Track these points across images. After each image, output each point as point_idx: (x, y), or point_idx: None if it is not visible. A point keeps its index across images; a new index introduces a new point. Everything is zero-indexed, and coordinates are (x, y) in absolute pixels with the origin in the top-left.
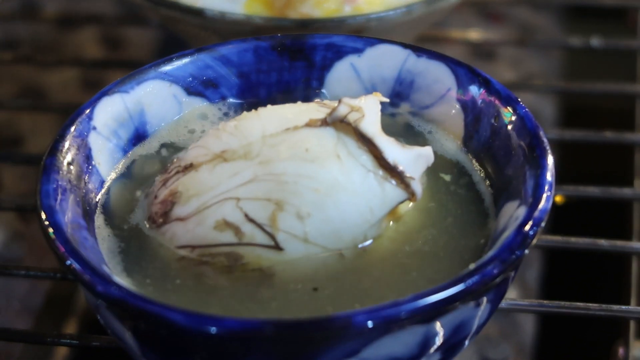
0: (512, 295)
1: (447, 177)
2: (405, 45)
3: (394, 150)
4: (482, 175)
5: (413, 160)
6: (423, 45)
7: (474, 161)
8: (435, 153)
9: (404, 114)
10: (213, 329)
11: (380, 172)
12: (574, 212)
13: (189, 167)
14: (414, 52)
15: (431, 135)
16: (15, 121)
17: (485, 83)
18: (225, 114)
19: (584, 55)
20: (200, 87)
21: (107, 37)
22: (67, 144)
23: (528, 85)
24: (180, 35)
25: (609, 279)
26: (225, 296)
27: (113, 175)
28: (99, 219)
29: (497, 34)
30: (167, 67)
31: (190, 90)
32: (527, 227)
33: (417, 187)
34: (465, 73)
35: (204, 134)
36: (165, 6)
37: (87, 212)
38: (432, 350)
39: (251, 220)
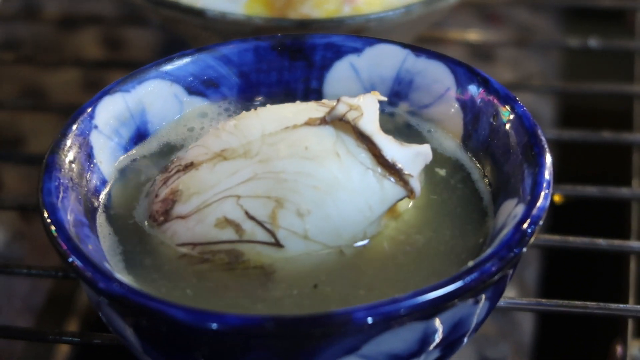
0: (510, 294)
1: (446, 175)
2: (404, 45)
3: (392, 148)
4: (480, 173)
5: (412, 158)
6: (422, 46)
7: (472, 159)
8: (434, 151)
9: (403, 113)
10: (214, 325)
11: (379, 169)
12: (572, 211)
13: (190, 166)
14: (413, 52)
15: (430, 134)
16: (17, 121)
17: (484, 82)
18: (226, 113)
19: (582, 56)
20: (201, 86)
21: (108, 38)
22: (69, 143)
23: (527, 85)
24: (180, 35)
25: (607, 278)
26: (226, 293)
27: (114, 174)
28: (100, 217)
29: (495, 35)
30: (168, 67)
31: (191, 90)
32: (525, 225)
33: (416, 184)
34: (464, 72)
35: (204, 133)
36: (166, 7)
37: (89, 210)
38: (431, 346)
39: (251, 218)
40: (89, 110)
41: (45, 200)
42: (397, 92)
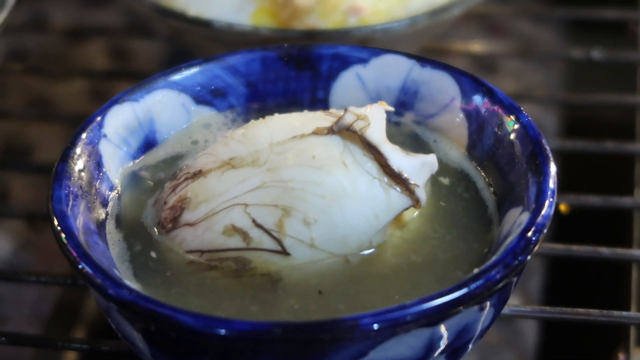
0: (514, 302)
1: (451, 185)
2: (410, 56)
3: (398, 157)
4: (485, 182)
5: (417, 167)
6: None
7: (477, 169)
8: (439, 161)
9: (409, 123)
10: (223, 331)
11: (386, 179)
12: (575, 221)
13: (198, 174)
14: (418, 62)
15: (436, 144)
16: (24, 131)
17: (489, 92)
18: (233, 123)
19: (585, 67)
20: (208, 96)
21: (114, 49)
22: (78, 151)
23: (530, 96)
24: (187, 46)
25: (610, 286)
26: (234, 300)
27: (123, 182)
28: (109, 225)
29: (498, 46)
30: (176, 77)
31: (199, 99)
32: (530, 233)
33: (422, 194)
34: (469, 82)
35: (211, 143)
36: (175, 18)
37: (98, 218)
38: (437, 352)
39: (259, 226)
40: (98, 119)
41: (55, 207)
42: (403, 102)
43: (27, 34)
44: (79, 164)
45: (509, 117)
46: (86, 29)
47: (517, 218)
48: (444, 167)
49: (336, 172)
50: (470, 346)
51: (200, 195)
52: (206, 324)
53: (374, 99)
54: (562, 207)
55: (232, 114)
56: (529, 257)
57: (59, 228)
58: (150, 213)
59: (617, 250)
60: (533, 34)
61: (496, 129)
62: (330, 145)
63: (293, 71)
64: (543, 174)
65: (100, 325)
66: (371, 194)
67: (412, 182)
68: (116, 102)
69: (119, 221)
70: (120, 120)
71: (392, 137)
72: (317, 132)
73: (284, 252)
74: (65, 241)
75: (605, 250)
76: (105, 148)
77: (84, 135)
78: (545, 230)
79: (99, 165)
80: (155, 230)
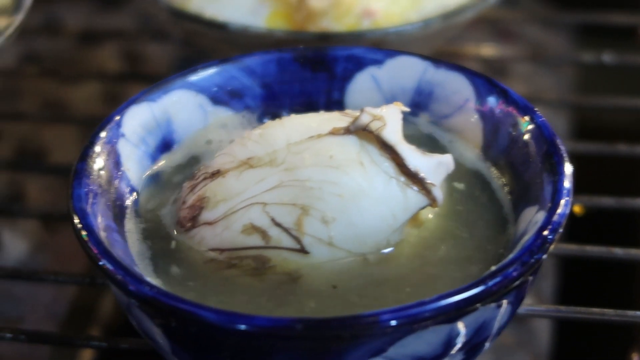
0: (528, 302)
1: (467, 184)
2: (424, 57)
3: (415, 157)
4: (500, 182)
5: (434, 167)
6: None
7: (492, 169)
8: (455, 161)
9: (424, 124)
10: (244, 327)
11: (402, 178)
12: (589, 222)
13: (216, 174)
14: (432, 64)
15: (451, 144)
16: (39, 133)
17: (503, 93)
18: (249, 123)
19: (596, 71)
20: (225, 96)
21: (127, 52)
22: (97, 150)
23: (541, 99)
24: (200, 48)
25: (624, 286)
26: (253, 297)
27: (142, 181)
28: (129, 223)
29: (509, 50)
30: (194, 77)
31: (216, 100)
32: (546, 231)
33: (438, 193)
34: (483, 83)
35: (230, 142)
36: (191, 20)
37: (117, 216)
38: (455, 349)
39: (278, 225)
40: (117, 118)
41: (76, 205)
42: (418, 103)
43: (41, 37)
44: (98, 162)
45: (524, 117)
46: (99, 32)
47: (533, 217)
48: (460, 167)
49: (353, 171)
50: (487, 344)
51: (218, 195)
52: (228, 319)
53: (389, 100)
54: (576, 209)
55: (248, 115)
56: (545, 256)
57: (79, 226)
58: (168, 212)
59: (631, 251)
60: (543, 39)
61: (511, 130)
62: (347, 145)
63: (308, 72)
64: (558, 173)
65: (116, 324)
66: (388, 193)
67: (428, 181)
68: (134, 102)
69: (137, 219)
70: (138, 120)
71: (407, 138)
72: (333, 132)
73: (302, 250)
74: (86, 238)
75: (618, 251)
76: (123, 147)
77: (102, 135)
78: (561, 229)
79: (117, 164)
80: (175, 228)
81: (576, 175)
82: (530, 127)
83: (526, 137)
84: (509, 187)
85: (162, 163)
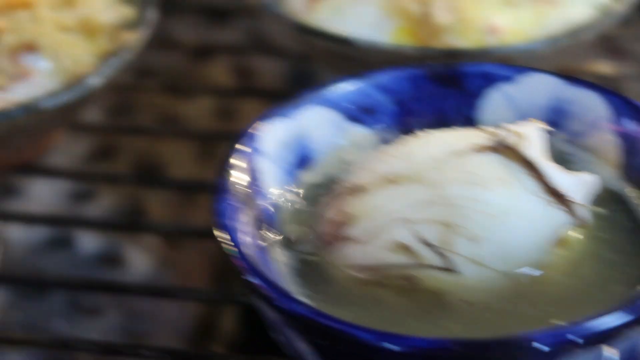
0: None
1: (609, 205)
2: (555, 74)
3: (559, 176)
4: None
5: (579, 186)
6: None
7: (633, 189)
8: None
9: (559, 142)
10: (400, 347)
11: (548, 197)
12: None
13: (358, 190)
14: (565, 81)
15: (588, 164)
16: (155, 147)
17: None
18: (384, 140)
19: None
20: (359, 113)
21: (240, 67)
22: (236, 166)
23: None
24: (316, 63)
25: None
26: (401, 316)
27: (281, 198)
28: (269, 239)
29: (621, 68)
30: (328, 94)
31: (351, 117)
32: None
33: (585, 212)
34: (618, 101)
35: (368, 158)
36: (315, 35)
37: (258, 232)
38: None
39: (425, 243)
40: (254, 134)
41: (221, 221)
42: (551, 121)
43: (154, 52)
44: (237, 178)
45: None
46: (210, 46)
47: None
48: (600, 187)
49: (498, 189)
50: None
51: (361, 211)
52: (383, 339)
53: (521, 116)
54: None
55: (382, 132)
56: None
57: (229, 242)
58: (309, 227)
59: None
60: None
61: None
62: (489, 162)
63: (439, 89)
64: None
65: (239, 342)
66: (535, 212)
67: (575, 200)
68: (270, 118)
69: (278, 235)
70: (275, 137)
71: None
72: (475, 149)
73: (452, 269)
74: (236, 255)
75: None
76: (261, 163)
77: (240, 150)
78: None
79: (255, 180)
80: (316, 244)
81: None
82: None
83: None
84: None
85: (301, 179)
